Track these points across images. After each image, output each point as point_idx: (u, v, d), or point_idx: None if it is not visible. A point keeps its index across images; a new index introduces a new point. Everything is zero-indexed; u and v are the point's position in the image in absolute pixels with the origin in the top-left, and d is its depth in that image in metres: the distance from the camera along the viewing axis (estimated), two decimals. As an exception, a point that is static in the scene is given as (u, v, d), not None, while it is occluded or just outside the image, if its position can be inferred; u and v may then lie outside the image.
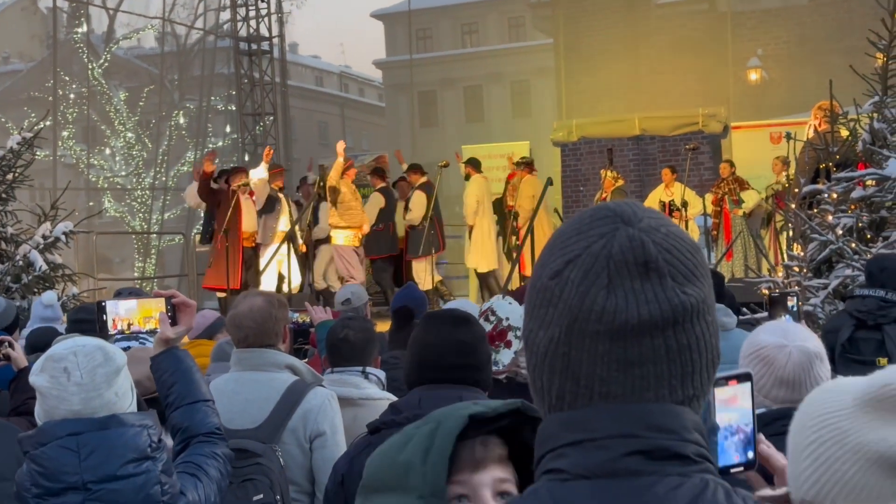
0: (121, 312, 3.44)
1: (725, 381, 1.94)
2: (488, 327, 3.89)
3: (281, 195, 14.61)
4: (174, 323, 3.40)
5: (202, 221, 14.89)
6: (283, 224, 14.37)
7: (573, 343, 1.23)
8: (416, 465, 1.63)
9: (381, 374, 4.48)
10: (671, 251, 1.24)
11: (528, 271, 14.48)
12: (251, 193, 13.76)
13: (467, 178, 14.97)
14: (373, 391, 4.34)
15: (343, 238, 14.04)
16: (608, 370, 1.22)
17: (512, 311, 3.99)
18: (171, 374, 3.32)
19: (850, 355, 5.78)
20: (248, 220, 13.63)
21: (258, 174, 13.97)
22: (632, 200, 1.32)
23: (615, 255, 1.22)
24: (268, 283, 13.84)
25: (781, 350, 2.83)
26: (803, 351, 2.83)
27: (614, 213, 1.26)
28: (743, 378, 1.89)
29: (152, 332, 3.53)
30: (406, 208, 14.51)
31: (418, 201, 14.22)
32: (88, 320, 6.08)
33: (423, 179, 14.59)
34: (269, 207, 14.16)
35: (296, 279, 14.21)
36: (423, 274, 14.04)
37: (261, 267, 13.99)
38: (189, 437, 3.26)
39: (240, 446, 3.69)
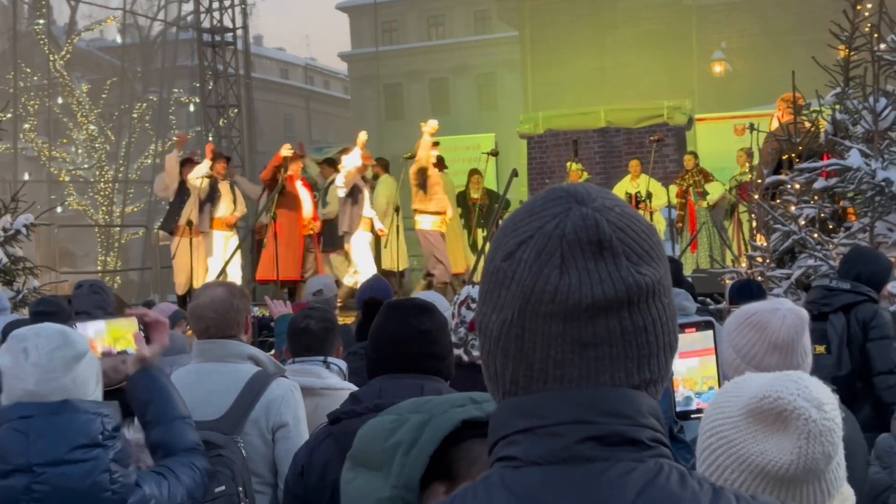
0: (90, 334, 3.39)
1: (682, 328, 1.94)
2: (470, 315, 3.89)
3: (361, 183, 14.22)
4: (148, 341, 3.39)
5: (166, 212, 14.64)
6: (367, 210, 13.99)
7: (526, 325, 1.21)
8: (399, 454, 1.66)
9: (343, 365, 4.47)
10: (625, 231, 1.22)
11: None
12: (304, 181, 13.76)
13: (375, 177, 14.70)
14: (334, 381, 4.33)
15: (430, 223, 13.72)
16: (562, 352, 1.20)
17: None
18: (148, 392, 3.31)
19: None
20: (306, 208, 13.72)
21: (353, 162, 13.64)
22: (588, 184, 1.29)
23: (568, 235, 1.20)
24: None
25: (775, 313, 2.80)
26: (796, 314, 2.81)
27: (567, 194, 1.24)
28: (703, 326, 1.89)
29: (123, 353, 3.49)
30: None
31: (335, 195, 14.09)
32: (49, 312, 6.04)
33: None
34: (352, 195, 13.86)
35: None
36: (342, 266, 13.99)
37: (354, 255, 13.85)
38: (169, 454, 3.24)
39: (201, 438, 3.67)
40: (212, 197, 13.71)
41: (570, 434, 1.19)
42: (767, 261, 8.43)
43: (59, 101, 32.50)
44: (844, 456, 1.78)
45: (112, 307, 7.12)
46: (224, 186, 13.80)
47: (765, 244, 8.60)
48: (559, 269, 1.19)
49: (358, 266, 13.71)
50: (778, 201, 8.75)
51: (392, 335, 3.04)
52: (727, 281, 8.99)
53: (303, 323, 4.44)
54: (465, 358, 3.80)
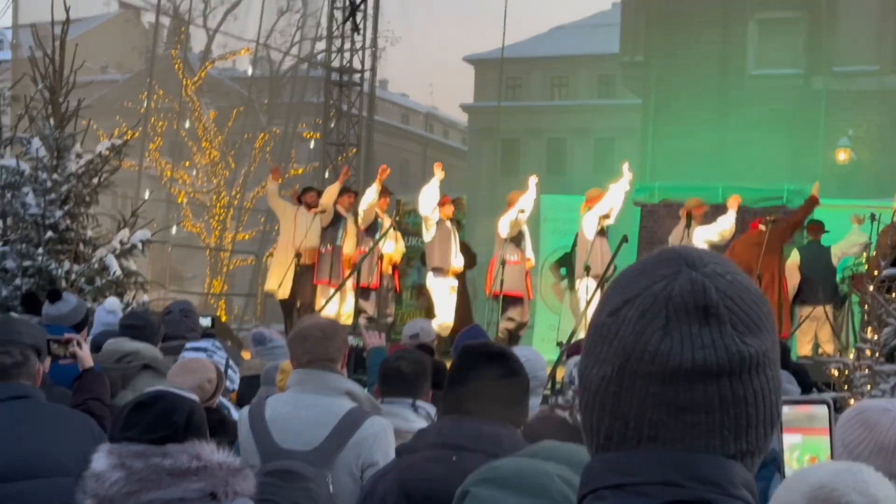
0: None
1: (797, 403, 1.94)
2: None
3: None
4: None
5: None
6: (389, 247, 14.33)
7: (625, 383, 1.21)
8: None
9: (432, 409, 4.44)
10: (734, 299, 1.21)
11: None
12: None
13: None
14: (420, 425, 4.30)
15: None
16: (658, 413, 1.19)
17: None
18: None
19: None
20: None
21: (368, 197, 14.00)
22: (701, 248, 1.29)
23: (675, 298, 1.20)
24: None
25: (885, 414, 2.73)
26: None
27: (679, 256, 1.25)
28: (818, 403, 1.88)
29: None
30: None
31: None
32: (138, 326, 6.19)
33: None
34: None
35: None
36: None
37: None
38: None
39: (289, 468, 3.69)
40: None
41: (657, 495, 1.18)
42: (876, 354, 8.21)
43: (187, 125, 33.37)
44: None
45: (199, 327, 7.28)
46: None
47: (875, 337, 8.38)
48: (662, 330, 1.20)
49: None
50: (893, 295, 8.54)
51: (463, 379, 3.10)
52: (833, 371, 8.78)
53: (395, 364, 4.44)
54: (570, 421, 3.77)
